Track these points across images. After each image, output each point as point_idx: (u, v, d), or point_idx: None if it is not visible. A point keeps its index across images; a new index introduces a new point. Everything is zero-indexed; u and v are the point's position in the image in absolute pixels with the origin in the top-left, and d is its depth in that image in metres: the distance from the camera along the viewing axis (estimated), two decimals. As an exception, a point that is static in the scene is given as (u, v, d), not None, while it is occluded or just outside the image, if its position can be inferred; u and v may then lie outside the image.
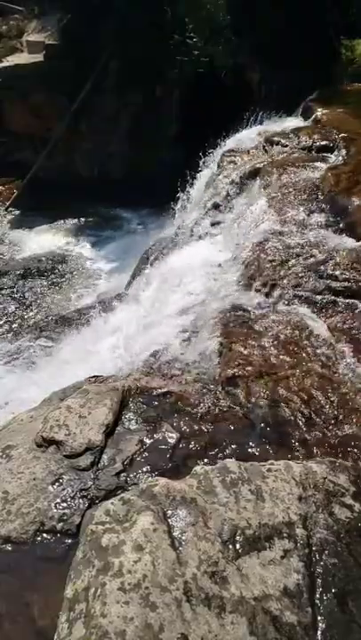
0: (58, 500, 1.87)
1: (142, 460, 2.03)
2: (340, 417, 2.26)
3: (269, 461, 1.79)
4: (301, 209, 3.87)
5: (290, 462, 1.78)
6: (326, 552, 1.51)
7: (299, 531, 1.54)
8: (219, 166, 5.39)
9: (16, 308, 7.23)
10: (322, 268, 3.22)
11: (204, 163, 6.11)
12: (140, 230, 9.27)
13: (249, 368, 2.51)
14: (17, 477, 1.97)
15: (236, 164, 5.16)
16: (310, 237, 3.54)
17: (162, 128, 9.48)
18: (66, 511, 1.84)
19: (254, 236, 3.73)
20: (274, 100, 6.82)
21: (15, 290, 7.67)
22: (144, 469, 1.99)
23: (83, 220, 9.71)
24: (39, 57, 9.59)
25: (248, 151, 5.32)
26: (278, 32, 7.61)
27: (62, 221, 9.67)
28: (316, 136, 5.03)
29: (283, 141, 5.10)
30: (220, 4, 8.70)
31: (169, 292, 3.85)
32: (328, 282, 3.12)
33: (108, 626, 1.29)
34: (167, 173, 6.71)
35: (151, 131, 9.37)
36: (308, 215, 3.81)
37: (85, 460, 2.00)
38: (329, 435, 2.18)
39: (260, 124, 6.18)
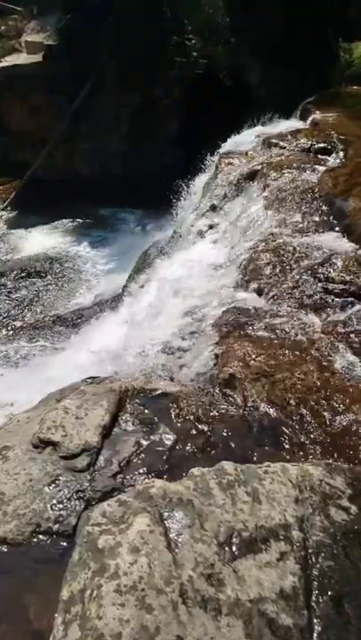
0: (54, 502, 1.87)
1: (139, 461, 2.03)
2: (338, 419, 2.27)
3: (266, 463, 1.79)
4: (299, 211, 3.88)
5: (286, 464, 1.78)
6: (323, 554, 1.51)
7: (295, 533, 1.54)
8: (217, 168, 5.40)
9: (13, 308, 7.22)
10: (319, 270, 3.22)
11: (202, 164, 6.12)
12: (138, 231, 9.27)
13: (246, 369, 2.52)
14: (13, 478, 1.96)
15: (234, 165, 5.16)
16: (308, 239, 3.55)
17: (161, 128, 9.49)
18: (62, 512, 1.84)
19: (252, 237, 3.74)
20: (272, 101, 6.83)
21: (12, 290, 7.66)
22: (141, 471, 1.99)
23: (81, 220, 9.71)
24: (38, 57, 9.61)
25: (246, 153, 5.33)
26: (277, 34, 7.63)
27: (61, 221, 9.67)
28: (314, 138, 5.04)
29: (281, 143, 5.11)
30: (219, 6, 8.73)
31: (167, 293, 3.85)
32: (325, 284, 3.12)
33: (103, 628, 1.28)
34: (166, 174, 6.72)
35: (150, 131, 9.38)
36: (306, 217, 3.82)
37: (82, 462, 2.00)
38: (326, 437, 2.18)
39: (259, 125, 6.19)
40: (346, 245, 3.44)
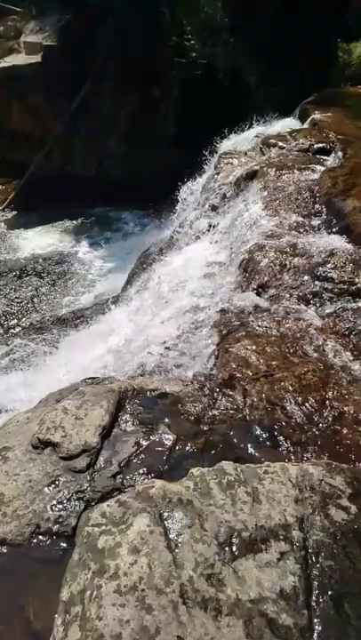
0: (54, 502, 1.87)
1: (139, 461, 2.03)
2: (337, 418, 2.27)
3: (266, 463, 1.79)
4: (298, 211, 3.88)
5: (286, 464, 1.78)
6: (323, 554, 1.51)
7: (295, 533, 1.54)
8: (216, 168, 5.40)
9: (12, 308, 7.22)
10: (318, 269, 3.23)
11: (201, 164, 6.12)
12: (137, 231, 9.27)
13: (246, 370, 2.51)
14: (13, 479, 1.96)
15: (233, 165, 5.17)
16: (307, 239, 3.55)
17: (160, 129, 9.50)
18: (62, 513, 1.83)
19: (251, 237, 3.74)
20: (272, 101, 6.85)
21: (11, 290, 7.65)
22: (140, 471, 1.98)
23: (80, 220, 9.71)
24: (37, 58, 9.60)
25: (245, 153, 5.33)
26: (277, 34, 7.64)
27: (60, 222, 9.67)
28: (313, 138, 5.04)
29: (280, 143, 5.11)
30: (218, 6, 8.74)
31: (166, 293, 3.85)
32: (324, 284, 3.13)
33: (103, 628, 1.28)
34: (165, 174, 6.72)
35: (149, 131, 9.39)
36: (305, 217, 3.82)
37: (81, 462, 2.00)
38: (326, 436, 2.18)
39: (258, 125, 6.20)
40: (345, 245, 3.44)
